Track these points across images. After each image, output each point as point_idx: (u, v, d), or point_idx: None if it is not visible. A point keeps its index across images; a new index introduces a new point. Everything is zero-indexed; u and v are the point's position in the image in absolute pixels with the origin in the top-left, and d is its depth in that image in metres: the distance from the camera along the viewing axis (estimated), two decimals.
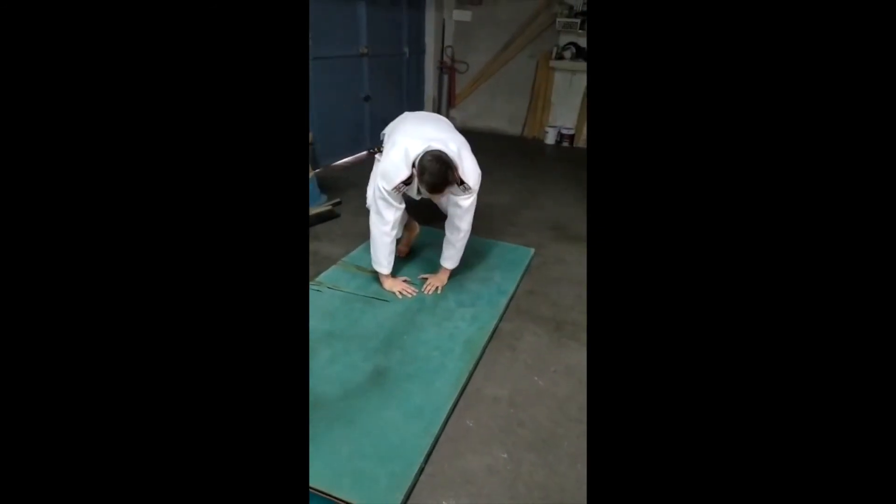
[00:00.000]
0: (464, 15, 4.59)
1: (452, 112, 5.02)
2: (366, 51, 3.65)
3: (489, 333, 1.69)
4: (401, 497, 1.08)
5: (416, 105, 4.65)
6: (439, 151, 1.57)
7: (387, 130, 1.90)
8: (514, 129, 4.85)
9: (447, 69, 4.82)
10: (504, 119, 4.86)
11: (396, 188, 1.64)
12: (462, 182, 1.65)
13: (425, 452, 1.20)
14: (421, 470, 1.17)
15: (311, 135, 2.82)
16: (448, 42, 4.74)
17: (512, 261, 2.20)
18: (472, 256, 2.11)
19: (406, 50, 4.24)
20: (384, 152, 1.74)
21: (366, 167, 3.52)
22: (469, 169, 1.66)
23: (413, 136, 1.65)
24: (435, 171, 1.54)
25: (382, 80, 3.98)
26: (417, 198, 1.75)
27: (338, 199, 2.82)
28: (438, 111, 4.95)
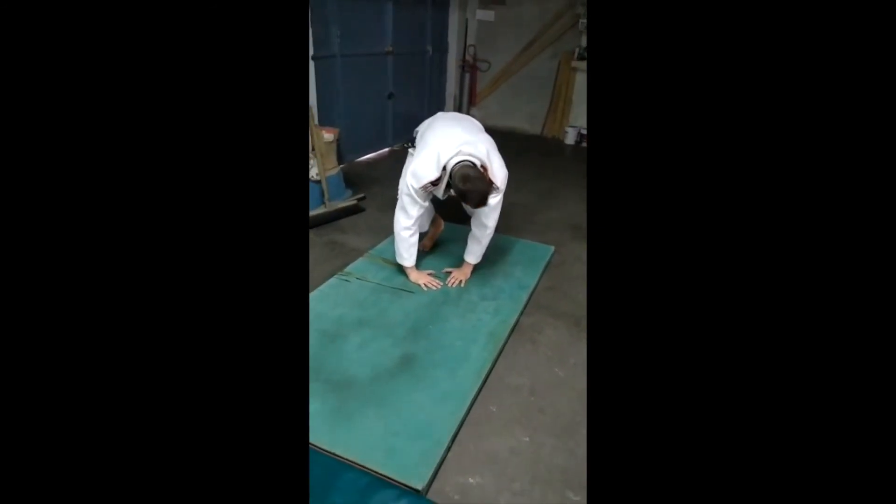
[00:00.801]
0: (487, 14, 4.65)
1: (473, 110, 5.07)
2: (391, 49, 3.73)
3: (511, 326, 1.76)
4: (430, 472, 1.16)
5: (438, 103, 4.73)
6: (475, 167, 1.64)
7: (420, 129, 1.97)
8: (534, 129, 4.90)
9: (469, 68, 4.88)
10: (524, 118, 4.91)
11: (424, 187, 1.72)
12: (491, 182, 1.72)
13: (452, 433, 1.28)
14: (448, 449, 1.25)
15: (337, 130, 2.91)
16: (471, 41, 4.79)
17: (532, 258, 2.27)
18: (495, 253, 2.18)
19: (429, 48, 4.31)
20: (416, 152, 1.82)
21: (389, 163, 3.62)
22: (497, 169, 1.73)
23: (444, 139, 1.72)
24: (479, 190, 1.61)
25: (406, 78, 4.06)
26: (443, 197, 1.83)
27: (362, 195, 2.91)
28: (459, 109, 5.01)
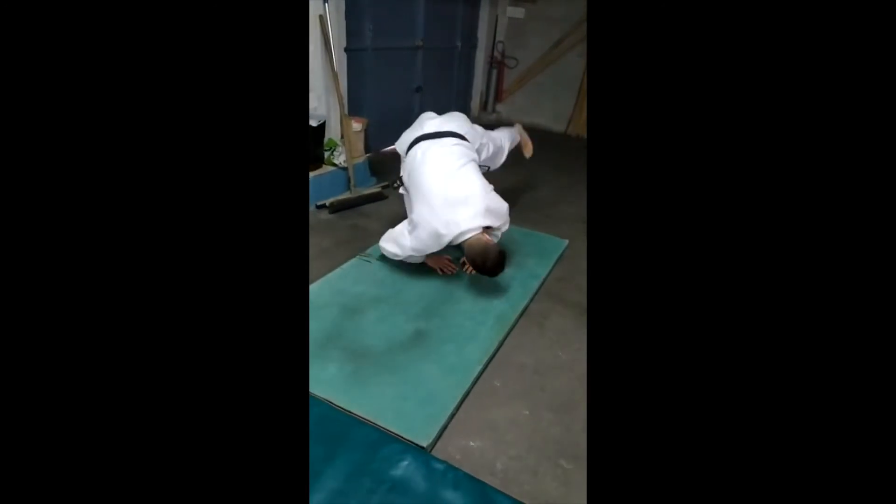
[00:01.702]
0: (517, 12, 4.71)
1: (499, 107, 5.14)
2: (421, 43, 3.82)
3: (520, 311, 1.85)
4: (435, 433, 1.27)
5: (464, 98, 4.81)
6: (482, 240, 1.72)
7: (403, 150, 2.02)
8: (559, 127, 4.93)
9: (497, 64, 4.95)
10: (549, 116, 4.95)
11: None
12: (502, 251, 1.76)
13: (457, 401, 1.39)
14: (452, 415, 1.35)
15: (365, 121, 3.04)
16: (500, 38, 4.85)
17: (546, 249, 2.35)
18: (510, 244, 2.26)
19: (459, 44, 4.39)
20: (412, 218, 1.84)
21: None
22: (496, 210, 1.81)
23: (440, 208, 1.74)
24: (497, 263, 1.72)
25: (434, 73, 4.15)
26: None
27: (386, 183, 3.03)
28: (485, 106, 5.09)
